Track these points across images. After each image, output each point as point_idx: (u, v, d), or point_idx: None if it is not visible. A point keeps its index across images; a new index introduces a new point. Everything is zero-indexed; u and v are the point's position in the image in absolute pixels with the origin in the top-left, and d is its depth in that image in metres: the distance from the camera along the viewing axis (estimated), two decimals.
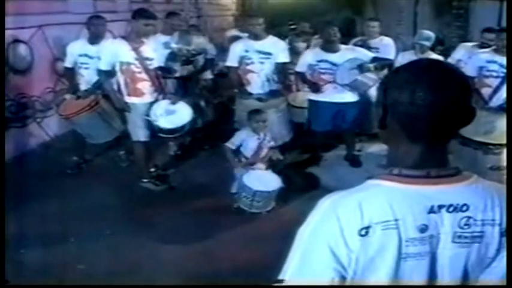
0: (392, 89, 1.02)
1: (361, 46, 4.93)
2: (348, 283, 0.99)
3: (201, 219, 3.68)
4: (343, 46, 4.60)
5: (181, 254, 3.21)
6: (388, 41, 5.38)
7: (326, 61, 4.50)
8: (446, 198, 0.96)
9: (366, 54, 4.54)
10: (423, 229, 0.95)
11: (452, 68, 1.06)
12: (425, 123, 0.98)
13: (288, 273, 0.99)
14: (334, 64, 4.44)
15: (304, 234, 1.00)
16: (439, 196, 0.96)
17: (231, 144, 4.01)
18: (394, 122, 1.02)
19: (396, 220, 0.94)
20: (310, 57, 4.64)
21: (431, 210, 0.96)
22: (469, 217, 0.97)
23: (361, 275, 0.97)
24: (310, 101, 4.75)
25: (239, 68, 4.62)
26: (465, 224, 0.97)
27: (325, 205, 1.00)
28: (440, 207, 0.96)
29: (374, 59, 4.49)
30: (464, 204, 0.97)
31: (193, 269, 3.06)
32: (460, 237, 0.97)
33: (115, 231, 3.49)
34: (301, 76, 4.77)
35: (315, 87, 4.57)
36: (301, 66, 4.69)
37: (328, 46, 4.51)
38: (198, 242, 3.36)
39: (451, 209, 0.96)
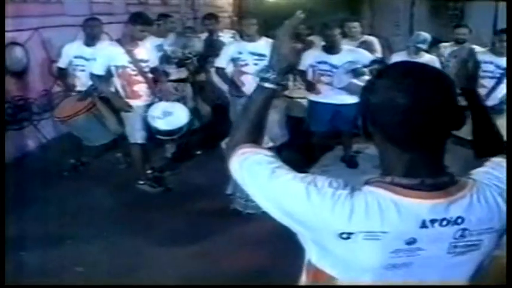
0: (371, 97, 0.96)
1: None
2: (342, 283, 0.99)
3: (198, 220, 3.68)
4: (345, 47, 4.53)
5: (179, 256, 3.21)
6: (371, 39, 5.37)
7: (326, 63, 4.45)
8: (440, 213, 0.92)
9: (366, 56, 4.50)
10: (411, 242, 0.92)
11: (433, 70, 1.00)
12: (410, 132, 0.92)
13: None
14: (333, 66, 4.41)
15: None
16: (432, 210, 0.92)
17: (225, 144, 4.01)
18: (378, 132, 0.98)
19: (384, 233, 0.91)
20: (310, 57, 4.55)
21: (423, 225, 0.92)
22: (465, 229, 0.94)
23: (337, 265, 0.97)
24: (310, 101, 4.74)
25: (226, 68, 4.63)
26: (460, 236, 0.94)
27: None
28: (432, 221, 0.92)
29: (373, 62, 4.47)
30: (459, 217, 0.93)
31: (190, 271, 3.06)
32: (455, 247, 0.95)
33: (112, 233, 3.49)
34: (302, 74, 4.69)
35: (312, 87, 4.56)
36: (302, 65, 4.66)
37: (329, 47, 4.46)
38: (195, 243, 3.35)
39: (444, 222, 0.92)
